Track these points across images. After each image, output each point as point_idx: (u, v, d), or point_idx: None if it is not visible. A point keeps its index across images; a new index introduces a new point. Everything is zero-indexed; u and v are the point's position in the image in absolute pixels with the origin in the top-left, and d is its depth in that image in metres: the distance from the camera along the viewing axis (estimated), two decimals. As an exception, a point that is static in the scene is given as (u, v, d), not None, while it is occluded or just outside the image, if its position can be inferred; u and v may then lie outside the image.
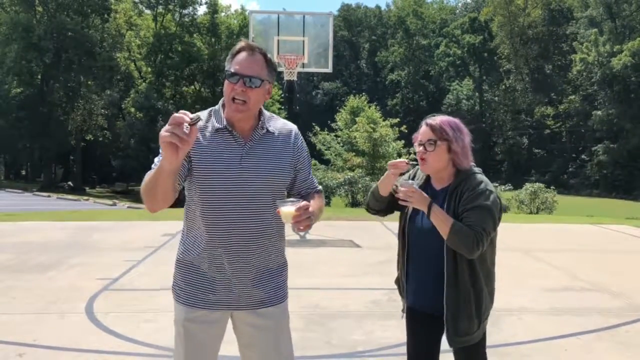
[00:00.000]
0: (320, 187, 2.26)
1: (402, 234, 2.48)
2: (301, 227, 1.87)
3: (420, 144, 2.37)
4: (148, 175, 1.86)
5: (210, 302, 2.05)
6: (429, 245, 2.35)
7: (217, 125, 2.01)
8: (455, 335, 2.31)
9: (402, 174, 2.48)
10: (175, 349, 2.16)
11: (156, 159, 1.93)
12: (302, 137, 2.18)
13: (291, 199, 1.95)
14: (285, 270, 2.19)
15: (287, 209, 1.87)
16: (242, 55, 1.97)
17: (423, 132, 2.37)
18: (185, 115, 1.64)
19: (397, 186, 2.37)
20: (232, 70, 1.95)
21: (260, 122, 2.05)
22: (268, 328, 2.09)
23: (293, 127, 2.16)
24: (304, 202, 1.87)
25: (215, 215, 1.99)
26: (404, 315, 2.55)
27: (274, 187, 2.04)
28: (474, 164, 2.42)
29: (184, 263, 2.09)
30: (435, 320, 2.39)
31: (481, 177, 2.36)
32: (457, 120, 2.40)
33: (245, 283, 2.05)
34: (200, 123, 1.99)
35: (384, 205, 2.51)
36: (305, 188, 2.19)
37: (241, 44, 2.01)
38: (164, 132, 1.64)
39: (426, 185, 2.45)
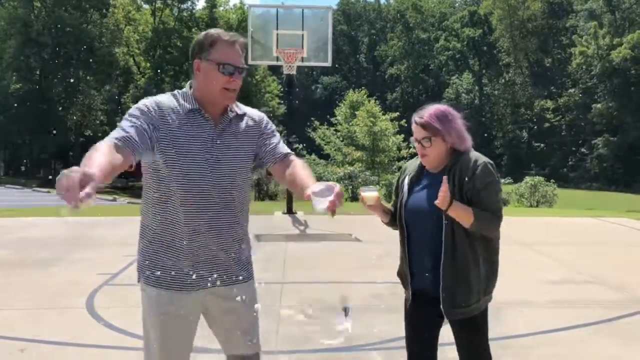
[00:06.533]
0: (289, 150, 2.26)
1: (400, 222, 2.47)
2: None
3: (416, 141, 2.38)
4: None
5: (187, 281, 2.07)
6: (427, 226, 2.34)
7: (188, 106, 2.07)
8: (452, 307, 2.31)
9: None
10: (145, 337, 2.14)
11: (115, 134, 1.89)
12: (271, 124, 2.25)
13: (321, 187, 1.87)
14: (250, 251, 2.24)
15: (322, 204, 1.84)
16: (228, 46, 2.05)
17: (415, 130, 2.38)
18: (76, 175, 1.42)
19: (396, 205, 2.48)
20: (229, 62, 2.03)
21: (228, 106, 2.14)
22: (240, 301, 2.15)
23: (263, 115, 2.26)
24: (335, 189, 1.84)
25: (192, 194, 2.02)
26: (408, 304, 2.52)
27: (245, 166, 2.14)
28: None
29: (159, 246, 2.08)
30: (437, 305, 2.38)
31: (473, 153, 2.38)
32: (443, 108, 2.38)
33: (222, 257, 2.10)
34: (169, 104, 2.06)
35: (393, 220, 2.55)
36: (277, 154, 2.19)
37: (218, 33, 2.07)
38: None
39: (422, 172, 2.45)
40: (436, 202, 2.21)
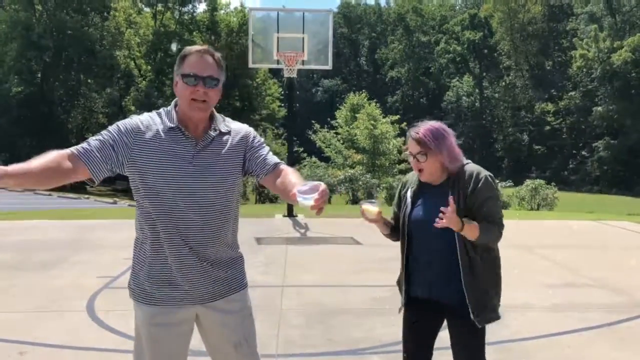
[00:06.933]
0: (279, 160, 2.22)
1: (403, 233, 2.50)
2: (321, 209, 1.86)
3: (411, 155, 2.41)
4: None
5: (176, 298, 2.06)
6: (431, 237, 2.38)
7: (169, 124, 2.06)
8: (484, 312, 2.36)
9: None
10: (135, 354, 2.14)
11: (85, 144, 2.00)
12: (259, 137, 2.21)
13: (306, 188, 1.90)
14: (242, 262, 2.23)
15: (308, 202, 1.87)
16: (194, 57, 2.03)
17: (411, 144, 2.42)
18: None
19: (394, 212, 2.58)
20: (190, 73, 2.00)
21: (212, 124, 2.10)
22: (233, 312, 2.14)
23: (250, 129, 2.21)
24: (320, 187, 1.86)
25: (170, 212, 2.01)
26: (402, 309, 2.56)
27: (226, 185, 2.09)
28: (464, 159, 2.46)
29: (145, 262, 2.09)
30: (440, 309, 2.43)
31: (472, 165, 2.43)
32: (437, 126, 2.42)
33: (210, 271, 2.08)
34: (151, 123, 2.07)
35: (393, 232, 2.58)
36: (266, 166, 2.15)
37: (190, 48, 2.08)
38: None
39: (422, 184, 2.48)
40: (444, 221, 2.21)
